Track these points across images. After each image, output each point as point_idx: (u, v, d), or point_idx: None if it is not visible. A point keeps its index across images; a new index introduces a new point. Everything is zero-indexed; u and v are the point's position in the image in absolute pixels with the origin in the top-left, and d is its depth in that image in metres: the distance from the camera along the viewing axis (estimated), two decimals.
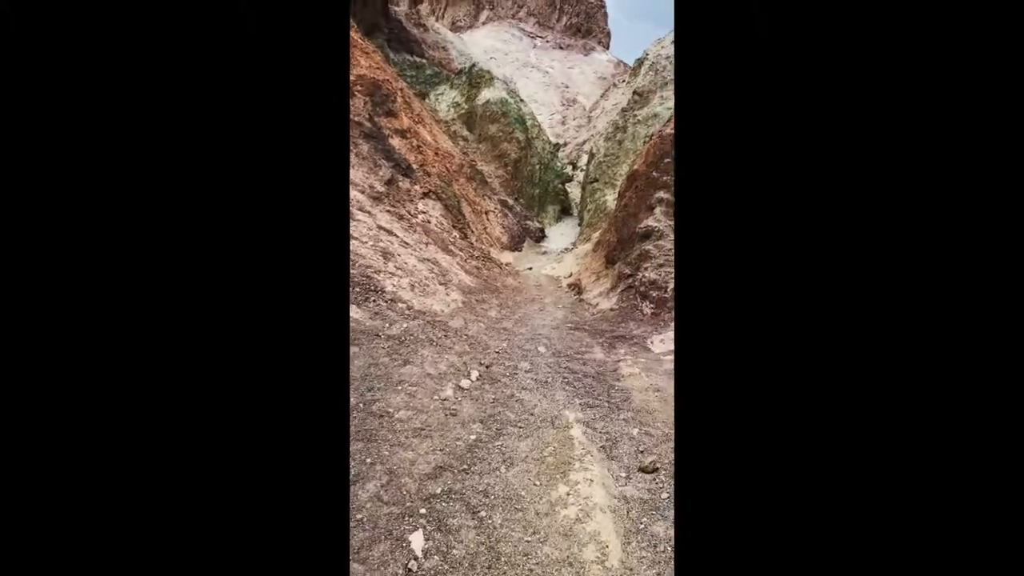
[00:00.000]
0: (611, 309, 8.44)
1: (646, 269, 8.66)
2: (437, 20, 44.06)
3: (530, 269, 13.52)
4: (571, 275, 12.15)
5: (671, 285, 8.14)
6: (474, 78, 20.86)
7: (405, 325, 6.38)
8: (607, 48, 47.64)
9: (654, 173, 10.14)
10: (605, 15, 49.25)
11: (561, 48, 45.49)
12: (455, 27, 44.25)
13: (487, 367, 5.98)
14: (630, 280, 8.89)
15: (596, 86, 37.70)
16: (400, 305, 6.95)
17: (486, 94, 19.88)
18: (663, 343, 6.91)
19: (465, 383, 5.39)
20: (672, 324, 7.40)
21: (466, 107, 20.05)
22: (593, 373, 6.16)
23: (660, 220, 9.50)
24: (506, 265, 13.03)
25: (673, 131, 10.16)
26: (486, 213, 15.69)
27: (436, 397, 5.00)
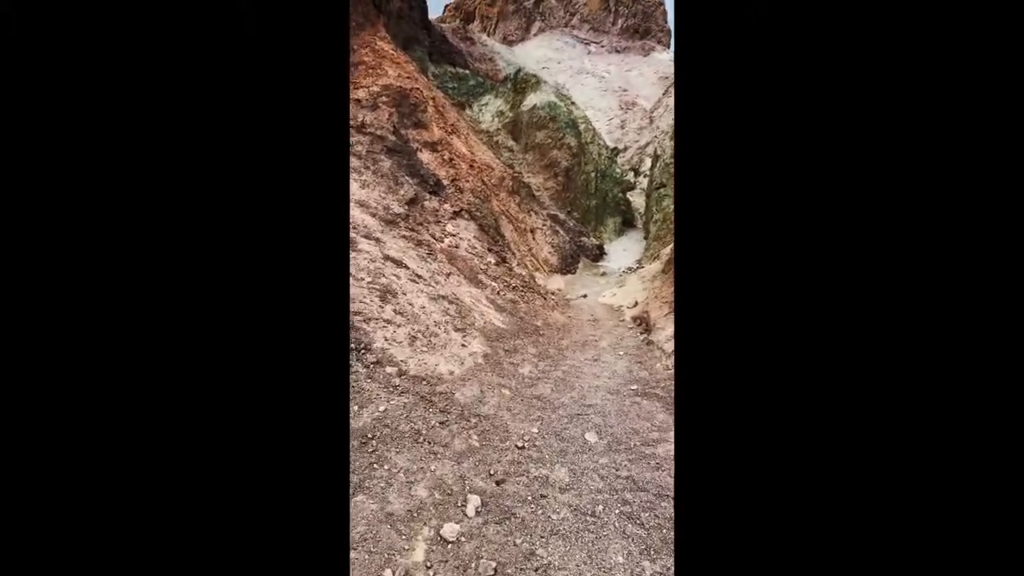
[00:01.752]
0: None
1: None
2: (489, 36, 43.25)
3: (584, 297, 11.16)
4: (635, 304, 9.68)
5: None
6: (519, 84, 19.02)
7: (384, 407, 4.32)
8: (668, 47, 44.64)
9: None
10: (664, 13, 46.36)
11: (617, 51, 43.13)
12: (507, 42, 43.27)
13: (499, 483, 3.74)
14: None
15: (658, 87, 34.87)
16: (388, 370, 4.90)
17: (532, 99, 17.93)
18: None
19: (452, 530, 3.18)
20: None
21: (511, 115, 18.20)
22: (672, 486, 3.75)
23: None
24: (553, 293, 10.77)
25: None
26: (531, 231, 13.55)
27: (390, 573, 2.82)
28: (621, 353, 7.10)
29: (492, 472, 3.86)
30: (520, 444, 4.31)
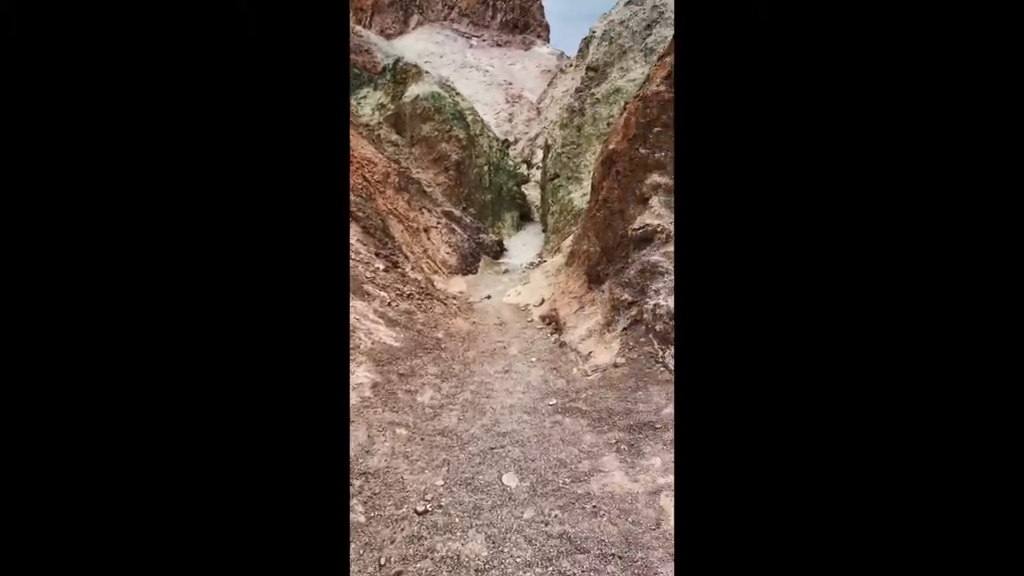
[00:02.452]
0: (614, 365, 5.31)
1: (658, 293, 5.58)
2: (365, 29, 40.85)
3: (488, 298, 10.32)
4: (542, 302, 9.03)
5: None
6: (399, 74, 17.71)
7: None
8: (547, 42, 45.35)
9: (641, 150, 7.15)
10: (541, 8, 47.03)
11: (499, 45, 42.93)
12: (384, 35, 41.22)
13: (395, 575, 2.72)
14: (634, 311, 5.80)
15: (541, 80, 35.13)
16: None
17: (414, 90, 16.73)
18: None
19: None
20: None
21: (392, 107, 16.85)
22: (618, 539, 3.01)
23: (662, 215, 6.47)
24: (455, 297, 9.80)
25: (659, 89, 7.21)
26: (426, 231, 12.44)
27: None
28: (534, 359, 6.34)
29: (384, 561, 2.83)
30: (421, 507, 3.31)
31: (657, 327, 5.27)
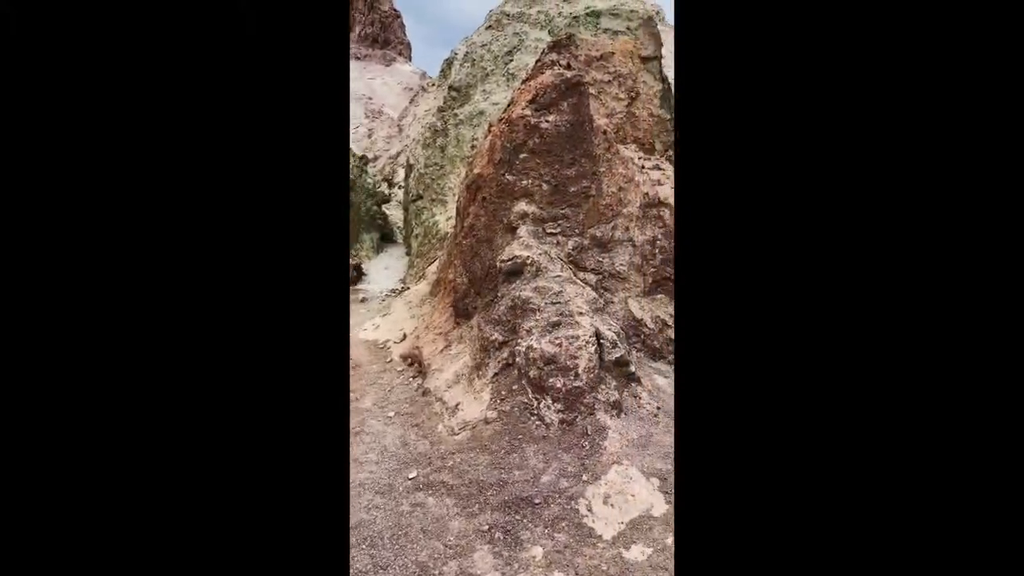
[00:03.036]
0: (485, 420, 4.63)
1: (530, 333, 5.07)
2: None
3: None
4: (404, 338, 8.10)
5: (586, 360, 4.64)
6: None
7: None
8: (409, 60, 44.67)
9: (507, 176, 6.72)
10: (402, 25, 46.20)
11: (359, 59, 41.08)
12: None
13: None
14: (506, 353, 5.22)
15: (403, 97, 34.19)
16: None
17: None
18: (618, 505, 3.33)
19: None
20: (611, 451, 3.88)
21: None
22: None
23: (531, 246, 6.06)
24: None
25: (524, 114, 6.89)
26: None
27: None
28: (391, 414, 5.41)
29: None
30: None
31: (531, 373, 4.73)
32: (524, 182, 6.55)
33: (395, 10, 47.14)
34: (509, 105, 7.78)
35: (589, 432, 4.17)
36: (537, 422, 4.42)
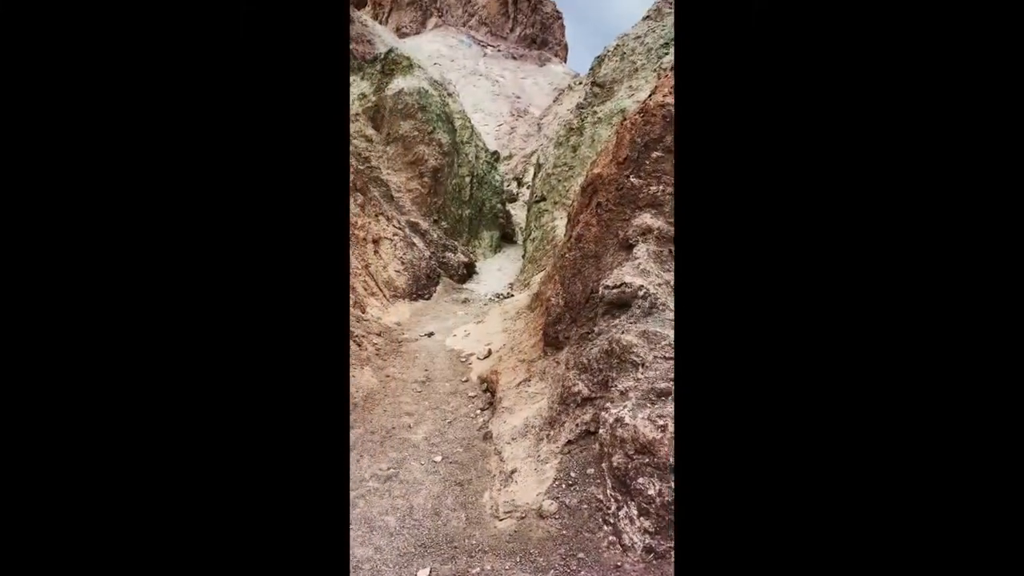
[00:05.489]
0: (540, 512, 3.31)
1: (625, 396, 3.61)
2: (381, 25, 39.45)
3: (429, 336, 8.33)
4: (488, 354, 7.05)
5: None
6: (388, 65, 15.93)
7: None
8: (564, 61, 44.13)
9: (632, 179, 5.27)
10: (562, 27, 45.95)
11: (514, 58, 41.65)
12: (400, 33, 39.86)
13: None
14: (588, 416, 3.83)
15: (551, 97, 33.64)
16: None
17: (399, 83, 14.95)
18: None
19: None
20: None
21: (374, 99, 15.02)
22: None
23: (648, 272, 4.55)
24: (383, 332, 7.79)
25: (665, 101, 5.37)
26: (375, 242, 10.49)
27: None
28: (438, 459, 4.35)
29: None
30: None
31: (615, 458, 3.30)
32: (653, 188, 5.05)
33: (557, 11, 46.95)
34: (651, 94, 6.27)
35: None
36: (612, 538, 2.98)
